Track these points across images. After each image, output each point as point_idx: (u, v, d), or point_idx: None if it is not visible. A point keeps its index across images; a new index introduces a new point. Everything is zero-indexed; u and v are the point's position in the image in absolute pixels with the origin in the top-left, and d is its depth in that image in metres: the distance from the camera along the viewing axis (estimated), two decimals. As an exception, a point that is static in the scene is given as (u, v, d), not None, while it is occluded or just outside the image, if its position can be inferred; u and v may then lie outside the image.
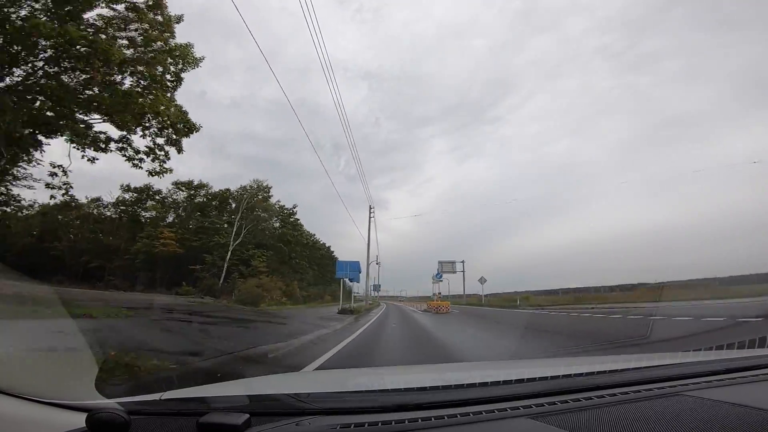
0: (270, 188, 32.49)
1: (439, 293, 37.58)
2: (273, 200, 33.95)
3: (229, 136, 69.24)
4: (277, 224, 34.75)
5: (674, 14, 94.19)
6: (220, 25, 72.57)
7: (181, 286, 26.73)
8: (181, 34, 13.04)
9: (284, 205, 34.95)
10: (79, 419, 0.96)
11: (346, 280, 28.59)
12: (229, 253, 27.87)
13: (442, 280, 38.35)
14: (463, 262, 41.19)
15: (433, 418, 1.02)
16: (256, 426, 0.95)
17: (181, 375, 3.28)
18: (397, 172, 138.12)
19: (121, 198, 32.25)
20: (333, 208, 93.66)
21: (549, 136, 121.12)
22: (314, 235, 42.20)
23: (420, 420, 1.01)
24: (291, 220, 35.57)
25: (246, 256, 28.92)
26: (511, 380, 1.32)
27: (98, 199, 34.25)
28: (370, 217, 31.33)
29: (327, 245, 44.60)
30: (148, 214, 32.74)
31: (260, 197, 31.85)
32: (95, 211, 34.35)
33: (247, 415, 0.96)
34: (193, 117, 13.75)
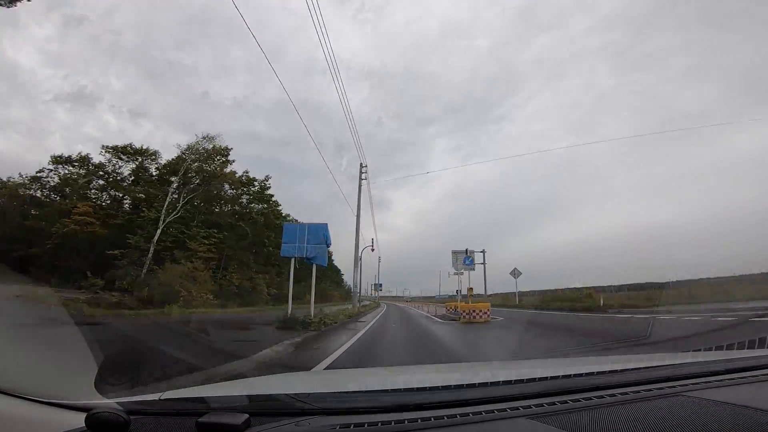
0: (229, 150, 24.44)
1: (470, 289, 23.10)
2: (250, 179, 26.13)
3: (231, 135, 64.10)
4: (245, 200, 26.62)
5: (678, 11, 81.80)
6: (222, 24, 68.65)
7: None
8: None
9: (254, 177, 26.80)
10: (79, 419, 0.95)
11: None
12: (159, 231, 19.96)
13: (473, 268, 21.87)
14: (483, 252, 29.74)
15: (432, 419, 1.01)
16: (255, 426, 0.95)
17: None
18: (400, 172, 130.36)
19: (44, 170, 25.86)
20: (336, 211, 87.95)
21: (553, 134, 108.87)
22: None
23: (420, 420, 1.01)
24: (263, 195, 27.29)
25: (186, 236, 20.90)
26: (511, 380, 1.31)
27: (39, 179, 29.02)
28: (360, 179, 22.15)
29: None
30: (92, 193, 26.64)
31: (216, 163, 23.89)
32: (39, 192, 29.24)
33: (247, 415, 0.95)
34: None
